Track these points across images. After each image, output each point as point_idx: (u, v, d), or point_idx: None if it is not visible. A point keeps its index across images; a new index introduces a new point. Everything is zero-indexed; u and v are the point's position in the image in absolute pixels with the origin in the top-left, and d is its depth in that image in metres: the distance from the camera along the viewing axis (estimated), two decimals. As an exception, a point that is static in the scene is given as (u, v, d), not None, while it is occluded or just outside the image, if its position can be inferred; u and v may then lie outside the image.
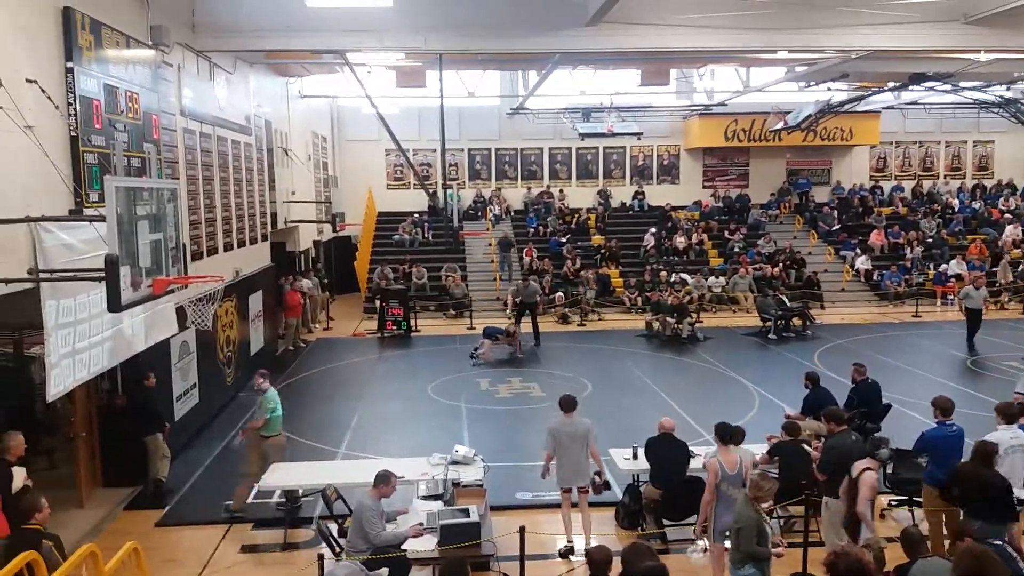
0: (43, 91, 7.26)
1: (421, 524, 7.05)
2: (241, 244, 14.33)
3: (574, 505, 7.95)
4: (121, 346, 8.36)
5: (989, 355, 15.88)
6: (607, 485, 8.31)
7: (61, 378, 7.09)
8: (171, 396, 10.86)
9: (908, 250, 24.20)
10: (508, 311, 20.43)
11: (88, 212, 7.66)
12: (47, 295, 6.87)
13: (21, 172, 7.03)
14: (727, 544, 6.46)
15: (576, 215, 26.11)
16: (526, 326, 18.17)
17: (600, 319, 20.98)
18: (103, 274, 5.87)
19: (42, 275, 6.90)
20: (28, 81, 7.11)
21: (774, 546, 6.22)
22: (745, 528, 5.96)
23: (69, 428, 9.39)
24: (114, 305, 5.94)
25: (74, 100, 7.80)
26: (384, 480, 7.05)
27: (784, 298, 19.91)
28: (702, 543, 7.41)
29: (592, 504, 8.14)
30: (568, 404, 7.97)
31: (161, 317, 9.50)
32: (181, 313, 10.23)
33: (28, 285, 6.90)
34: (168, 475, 9.70)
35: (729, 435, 7.07)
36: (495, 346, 16.51)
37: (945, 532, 7.38)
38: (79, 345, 7.40)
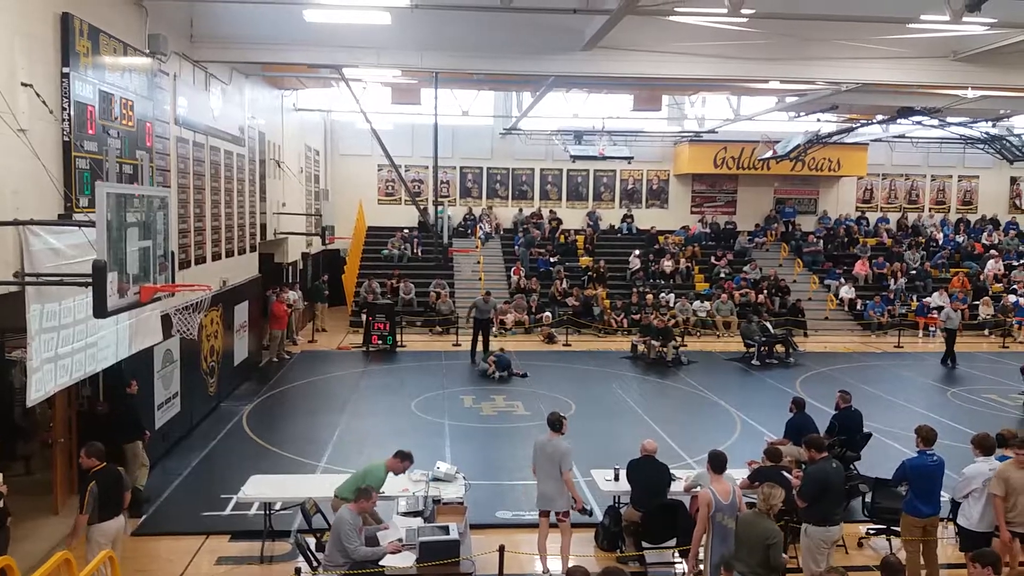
0: (38, 95, 7.27)
1: (400, 540, 7.03)
2: (229, 254, 14.29)
3: (554, 526, 7.80)
4: (104, 352, 8.31)
5: (969, 387, 16.00)
6: (588, 512, 8.17)
7: (42, 383, 7.04)
8: (152, 404, 10.78)
9: (892, 281, 24.46)
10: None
11: (78, 217, 7.66)
12: (32, 299, 6.84)
13: (11, 175, 7.02)
14: None
15: (560, 228, 26.20)
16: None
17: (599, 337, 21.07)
18: (90, 279, 5.87)
19: (28, 279, 6.87)
20: (23, 85, 7.12)
21: None
22: (777, 542, 5.90)
23: (47, 433, 9.29)
24: (100, 311, 5.93)
25: (68, 105, 7.79)
26: (365, 495, 7.03)
27: (768, 325, 20.03)
28: None
29: (573, 525, 7.92)
30: (551, 423, 7.79)
31: (146, 324, 9.46)
32: (167, 321, 10.19)
33: (13, 288, 6.87)
34: (146, 484, 9.62)
35: (723, 464, 7.01)
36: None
37: (922, 562, 7.44)
38: (62, 350, 7.36)
